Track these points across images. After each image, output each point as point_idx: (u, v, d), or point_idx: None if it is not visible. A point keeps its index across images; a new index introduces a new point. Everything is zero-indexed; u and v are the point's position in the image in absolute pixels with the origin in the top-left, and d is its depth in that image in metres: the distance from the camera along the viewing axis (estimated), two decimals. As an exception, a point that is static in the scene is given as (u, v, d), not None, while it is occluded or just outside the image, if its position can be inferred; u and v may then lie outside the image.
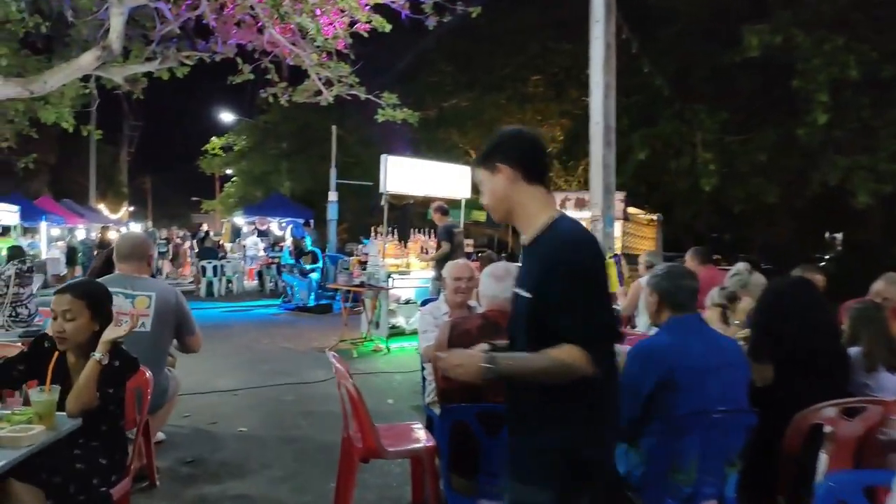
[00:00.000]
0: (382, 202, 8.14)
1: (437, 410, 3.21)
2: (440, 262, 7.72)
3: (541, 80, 18.82)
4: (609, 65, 8.58)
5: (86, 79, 8.36)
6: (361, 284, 7.54)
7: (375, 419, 3.14)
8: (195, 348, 3.97)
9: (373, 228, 8.29)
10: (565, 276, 1.73)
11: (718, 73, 13.63)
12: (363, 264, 7.84)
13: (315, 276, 12.92)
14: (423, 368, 3.93)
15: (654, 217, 16.21)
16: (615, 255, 8.37)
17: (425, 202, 19.84)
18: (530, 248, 1.87)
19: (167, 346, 3.93)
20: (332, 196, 15.25)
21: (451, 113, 19.19)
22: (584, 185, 18.05)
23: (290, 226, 19.23)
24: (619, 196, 14.06)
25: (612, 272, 8.39)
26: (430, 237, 8.65)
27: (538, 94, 18.61)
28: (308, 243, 14.38)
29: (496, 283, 2.86)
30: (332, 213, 15.36)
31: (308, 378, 6.46)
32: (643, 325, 5.74)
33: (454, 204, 16.72)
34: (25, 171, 12.85)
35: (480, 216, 16.88)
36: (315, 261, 13.00)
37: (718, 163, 12.35)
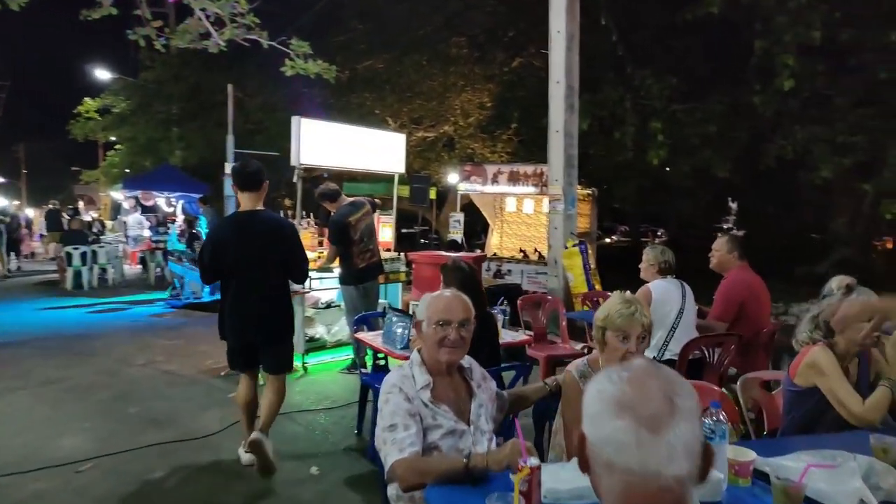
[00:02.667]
0: (296, 178, 6.28)
1: None
2: (343, 260, 5.95)
3: (464, 41, 17.14)
4: (573, 11, 7.04)
5: None
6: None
7: None
8: None
9: (283, 213, 6.38)
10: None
11: (664, 35, 12.49)
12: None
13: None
14: (384, 485, 2.21)
15: (589, 192, 15.11)
16: (580, 243, 6.96)
17: (352, 176, 17.90)
18: None
19: None
20: (229, 168, 13.00)
21: (366, 75, 17.18)
22: (513, 156, 16.75)
23: (182, 201, 16.73)
24: (557, 169, 12.83)
25: (577, 262, 6.99)
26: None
27: (462, 56, 16.92)
28: (202, 224, 12.18)
29: (649, 437, 1.06)
30: (228, 188, 13.11)
31: (196, 427, 4.62)
32: (653, 343, 4.32)
33: (384, 179, 14.89)
34: None
35: (402, 191, 15.16)
36: (210, 245, 10.88)
37: (666, 134, 11.22)
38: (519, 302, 5.51)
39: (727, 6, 9.80)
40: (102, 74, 21.48)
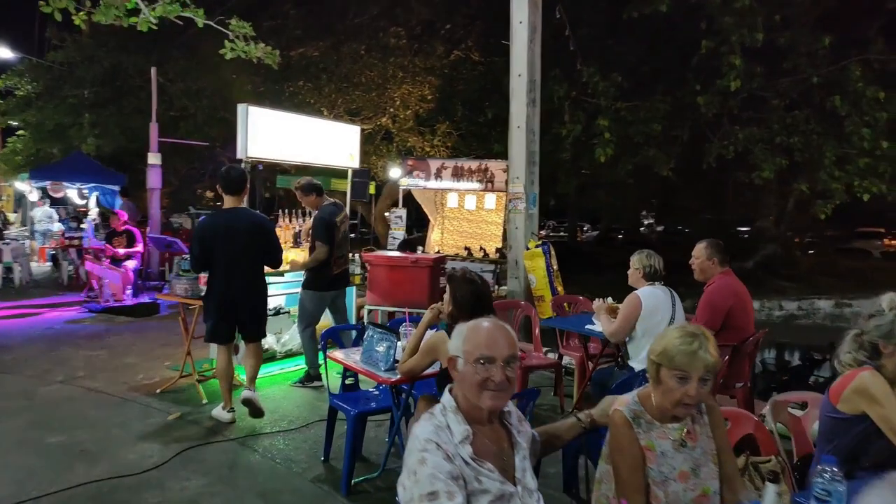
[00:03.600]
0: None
1: None
2: (316, 268, 5.51)
3: (403, 32, 16.65)
4: (535, 1, 6.73)
5: None
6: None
7: None
8: None
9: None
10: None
11: (607, 32, 12.47)
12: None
13: (132, 263, 9.93)
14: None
15: (531, 188, 14.97)
16: (543, 243, 6.69)
17: (283, 169, 16.99)
18: None
19: None
20: (154, 158, 12.03)
21: (300, 63, 16.38)
22: (452, 150, 16.41)
23: (96, 193, 15.44)
24: (502, 165, 12.59)
25: (540, 264, 6.72)
26: (307, 217, 6.30)
27: (401, 47, 16.42)
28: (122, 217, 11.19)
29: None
30: (153, 179, 12.14)
31: (134, 459, 4.00)
32: (638, 357, 4.08)
33: (324, 173, 14.24)
34: None
35: (341, 184, 14.60)
36: (132, 243, 9.99)
37: (613, 132, 11.17)
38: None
39: (675, 4, 9.79)
40: (3, 53, 19.60)
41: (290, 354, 5.98)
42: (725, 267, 4.51)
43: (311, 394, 5.45)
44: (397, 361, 3.24)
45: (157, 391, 5.34)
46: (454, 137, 16.62)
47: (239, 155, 5.50)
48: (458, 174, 12.91)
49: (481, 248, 12.31)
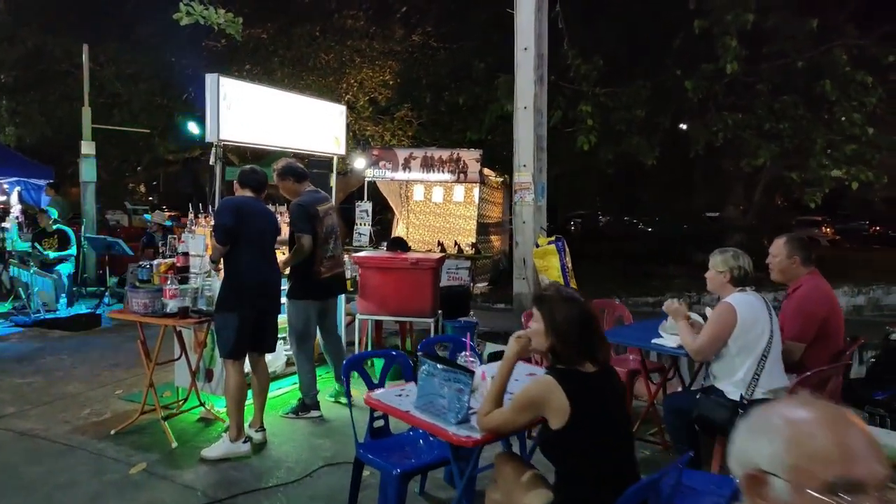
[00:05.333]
0: (213, 160, 4.60)
1: None
2: (300, 270, 4.61)
3: (361, 13, 15.61)
4: (544, -36, 5.91)
5: None
6: (186, 313, 4.04)
7: None
8: None
9: (193, 211, 4.59)
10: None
11: (584, 13, 11.79)
12: (180, 271, 4.29)
13: (66, 267, 8.65)
14: None
15: (502, 179, 14.27)
16: (557, 239, 5.92)
17: (229, 160, 15.62)
18: None
19: None
20: (88, 147, 10.63)
21: (248, 46, 15.09)
22: (413, 141, 15.48)
23: (18, 188, 13.78)
24: (475, 154, 11.80)
25: (553, 262, 5.95)
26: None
27: (357, 29, 15.36)
28: (53, 214, 9.83)
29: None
30: (87, 172, 10.75)
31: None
32: (731, 379, 3.35)
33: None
34: None
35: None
36: (65, 244, 8.70)
37: (595, 118, 10.52)
38: (524, 318, 4.34)
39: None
40: None
41: (274, 377, 5.01)
42: (810, 267, 3.82)
43: (307, 428, 4.51)
44: (473, 410, 2.38)
45: (112, 432, 4.28)
46: (414, 126, 15.71)
47: (209, 138, 4.46)
48: (427, 165, 12.05)
49: (456, 244, 11.49)
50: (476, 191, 12.35)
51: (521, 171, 6.15)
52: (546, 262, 5.94)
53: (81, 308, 8.43)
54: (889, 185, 10.79)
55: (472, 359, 2.77)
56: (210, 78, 4.45)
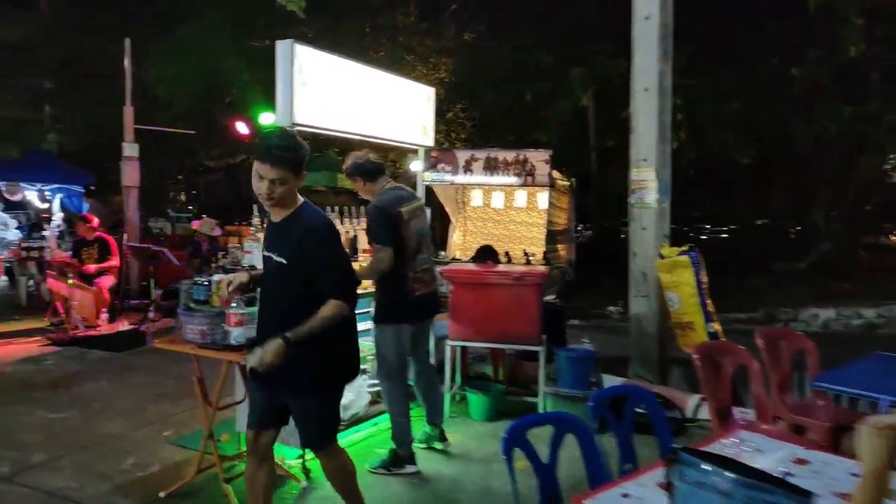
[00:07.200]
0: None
1: None
2: (386, 281, 3.67)
3: (412, 10, 14.81)
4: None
5: None
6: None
7: None
8: None
9: (258, 214, 3.71)
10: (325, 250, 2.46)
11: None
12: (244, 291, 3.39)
13: (107, 280, 7.88)
14: None
15: (569, 182, 13.20)
16: (690, 249, 4.86)
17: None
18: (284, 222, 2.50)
19: None
20: (130, 149, 9.91)
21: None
22: (466, 142, 14.54)
23: (60, 195, 13.22)
24: (544, 156, 10.77)
25: (686, 277, 4.88)
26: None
27: (409, 26, 14.54)
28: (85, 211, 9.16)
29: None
30: (129, 175, 10.02)
31: None
32: None
33: (326, 166, 12.26)
34: None
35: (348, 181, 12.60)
36: (106, 255, 7.93)
37: (682, 112, 9.42)
38: (694, 355, 3.28)
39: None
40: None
41: (356, 421, 4.06)
42: None
43: (404, 488, 3.54)
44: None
45: (161, 494, 3.37)
46: (467, 128, 14.78)
47: (279, 120, 3.54)
48: (491, 167, 11.01)
49: (525, 254, 10.44)
50: (543, 195, 11.30)
51: (640, 167, 5.12)
52: (675, 277, 4.88)
53: (124, 324, 7.64)
54: None
55: (742, 447, 1.74)
56: (282, 46, 3.53)
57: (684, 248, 4.88)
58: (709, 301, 4.87)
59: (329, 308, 2.43)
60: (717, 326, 4.94)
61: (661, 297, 5.04)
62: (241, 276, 2.77)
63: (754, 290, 13.07)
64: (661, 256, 5.01)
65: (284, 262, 2.45)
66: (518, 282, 4.56)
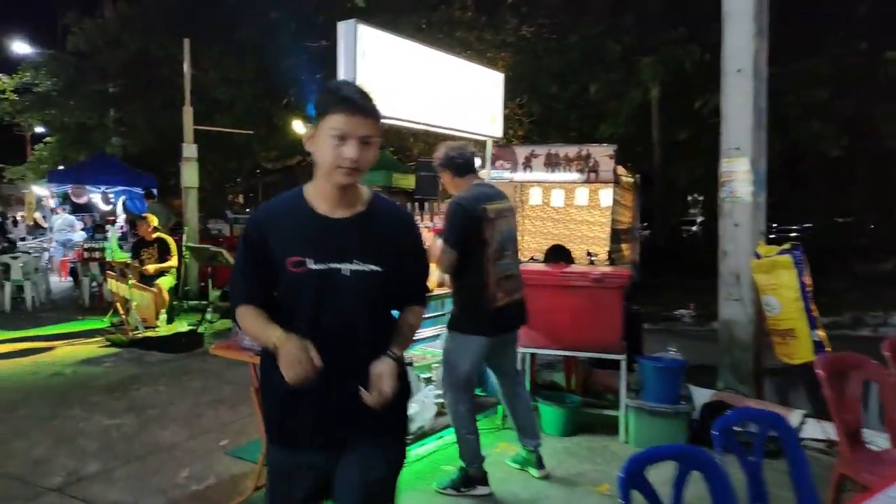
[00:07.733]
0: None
1: None
2: (463, 286, 3.32)
3: (469, 4, 14.48)
4: None
5: None
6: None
7: None
8: None
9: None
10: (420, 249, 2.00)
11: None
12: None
13: (167, 280, 7.80)
14: None
15: (633, 179, 12.61)
16: (793, 248, 4.34)
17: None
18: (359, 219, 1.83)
19: None
20: (190, 150, 9.90)
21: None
22: (524, 139, 14.10)
23: (123, 197, 13.47)
24: (608, 151, 10.24)
25: (787, 280, 4.35)
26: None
27: (466, 20, 14.22)
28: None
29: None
30: (189, 176, 10.02)
31: None
32: None
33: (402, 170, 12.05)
34: None
35: (406, 181, 12.43)
36: (165, 255, 7.86)
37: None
38: (819, 370, 2.80)
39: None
40: (21, 48, 17.95)
41: (422, 435, 3.73)
42: None
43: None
44: None
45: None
46: (525, 124, 14.33)
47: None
48: (551, 163, 10.54)
49: (588, 254, 9.94)
50: (607, 193, 10.76)
51: (732, 157, 4.62)
52: (774, 280, 4.36)
53: (182, 324, 7.56)
54: None
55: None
56: (345, 27, 3.23)
57: (785, 246, 4.35)
58: (813, 306, 4.34)
59: (415, 316, 1.95)
60: (821, 334, 4.41)
61: (757, 301, 4.52)
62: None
63: (837, 292, 12.19)
64: (758, 256, 4.50)
65: (379, 269, 1.79)
66: (598, 284, 4.15)
